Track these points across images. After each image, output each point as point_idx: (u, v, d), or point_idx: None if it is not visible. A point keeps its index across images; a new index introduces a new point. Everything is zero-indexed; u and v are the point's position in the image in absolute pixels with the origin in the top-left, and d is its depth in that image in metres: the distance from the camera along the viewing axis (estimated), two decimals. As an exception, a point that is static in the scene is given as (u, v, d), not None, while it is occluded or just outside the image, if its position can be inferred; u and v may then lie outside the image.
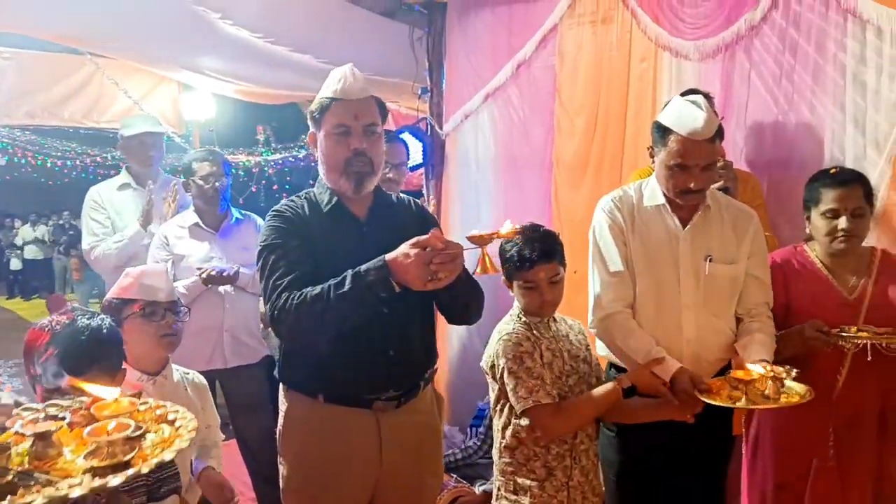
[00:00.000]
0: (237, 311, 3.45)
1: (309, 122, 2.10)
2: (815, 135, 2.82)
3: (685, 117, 2.15)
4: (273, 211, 2.09)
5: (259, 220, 3.71)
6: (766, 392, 1.97)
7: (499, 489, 2.21)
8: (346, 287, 1.83)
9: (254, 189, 9.49)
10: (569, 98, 3.65)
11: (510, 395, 2.10)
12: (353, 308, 1.85)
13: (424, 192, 4.52)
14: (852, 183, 2.34)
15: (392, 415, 2.04)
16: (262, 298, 2.13)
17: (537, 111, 3.82)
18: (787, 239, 2.73)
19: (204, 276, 3.26)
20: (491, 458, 3.75)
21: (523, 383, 2.06)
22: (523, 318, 2.17)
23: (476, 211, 4.14)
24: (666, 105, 2.29)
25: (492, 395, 2.20)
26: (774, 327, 2.30)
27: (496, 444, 2.21)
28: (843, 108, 2.73)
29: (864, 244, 2.41)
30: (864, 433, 2.34)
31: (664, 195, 2.29)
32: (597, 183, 3.53)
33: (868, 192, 2.36)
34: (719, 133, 2.20)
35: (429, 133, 4.43)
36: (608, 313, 2.27)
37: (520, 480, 2.14)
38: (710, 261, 2.26)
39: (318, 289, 1.87)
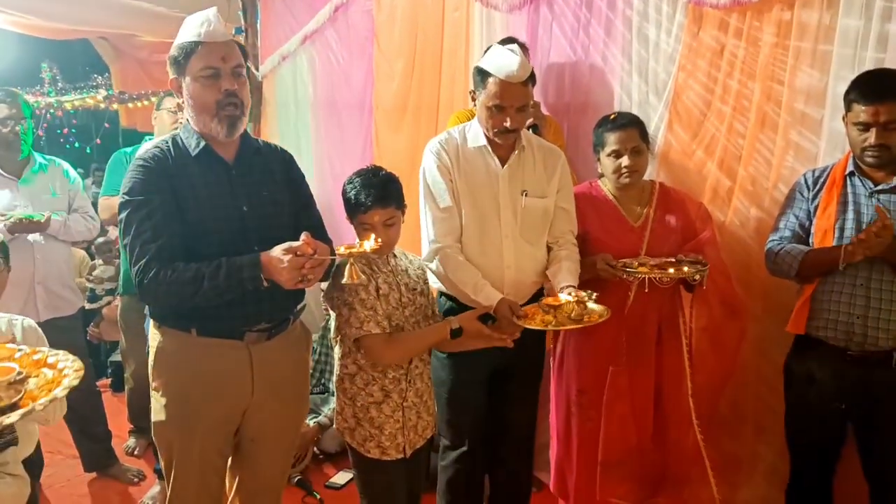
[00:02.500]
0: (49, 262, 3.29)
1: (170, 68, 2.07)
2: (606, 82, 3.15)
3: (502, 62, 2.37)
4: (137, 159, 2.06)
5: (66, 166, 3.51)
6: (573, 315, 2.27)
7: (339, 413, 2.34)
8: (221, 279, 1.92)
9: (40, 133, 8.66)
10: (387, 43, 3.75)
11: (344, 324, 2.21)
12: (224, 295, 1.95)
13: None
14: (629, 126, 2.67)
15: (263, 347, 2.14)
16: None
17: (356, 55, 3.89)
18: (582, 176, 3.06)
19: (9, 224, 3.07)
20: (318, 392, 3.93)
21: (356, 314, 2.17)
22: None
23: (297, 154, 4.11)
24: (486, 51, 2.49)
25: (332, 325, 2.31)
26: (577, 248, 2.61)
27: (336, 372, 2.33)
28: (630, 58, 3.06)
29: (646, 178, 2.78)
30: (647, 342, 2.72)
31: (485, 137, 2.51)
32: (416, 126, 3.69)
33: (644, 132, 2.70)
34: (532, 78, 2.45)
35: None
36: (440, 247, 2.47)
37: (359, 404, 2.27)
38: (525, 195, 2.53)
39: (191, 270, 1.92)
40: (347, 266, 1.96)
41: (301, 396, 2.36)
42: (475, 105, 2.55)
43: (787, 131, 2.74)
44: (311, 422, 3.69)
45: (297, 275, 1.89)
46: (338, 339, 2.29)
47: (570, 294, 2.31)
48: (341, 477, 3.54)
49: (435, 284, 2.56)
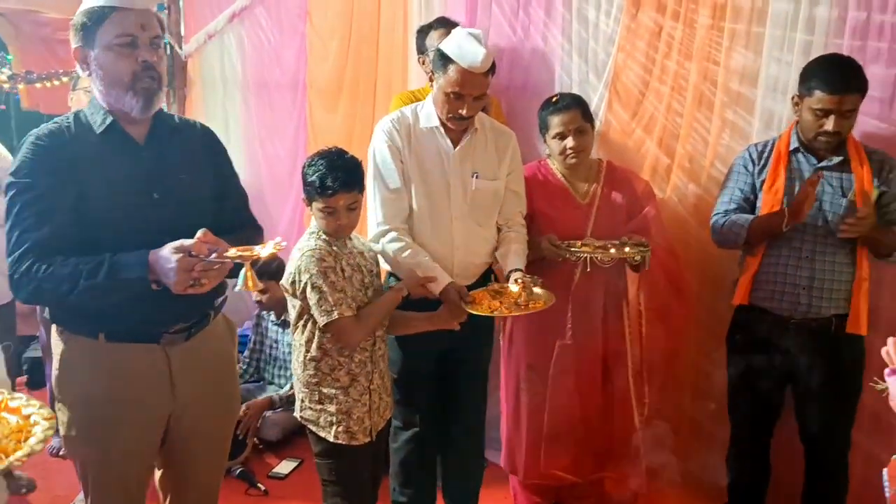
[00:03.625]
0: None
1: (73, 37, 1.84)
2: (547, 62, 3.19)
3: (467, 51, 2.34)
4: (31, 136, 1.82)
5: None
6: (519, 300, 2.30)
7: (302, 401, 2.29)
8: (100, 278, 1.70)
9: None
10: (321, 21, 3.67)
11: (314, 308, 2.14)
12: (106, 296, 1.74)
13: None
14: (571, 107, 2.69)
15: (182, 347, 1.95)
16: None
17: (287, 33, 3.80)
18: (523, 156, 3.04)
19: None
20: (257, 381, 3.84)
21: (327, 297, 2.12)
22: (323, 236, 2.22)
23: (225, 135, 3.99)
24: (449, 35, 2.45)
25: (292, 312, 2.25)
26: (526, 230, 2.64)
27: (298, 358, 2.27)
28: (570, 39, 3.10)
29: (592, 156, 2.83)
30: (593, 319, 2.78)
31: (438, 118, 2.49)
32: (352, 106, 3.64)
33: (586, 112, 2.73)
34: (492, 68, 2.43)
35: (168, 54, 4.16)
36: (388, 228, 2.45)
37: (325, 390, 2.23)
38: (476, 177, 2.52)
39: (69, 266, 1.71)
40: (242, 272, 1.73)
41: (229, 393, 2.17)
42: (433, 85, 2.52)
43: (722, 110, 2.84)
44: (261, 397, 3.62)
45: (186, 278, 1.67)
46: (299, 324, 2.23)
47: (516, 282, 2.35)
48: (285, 466, 3.47)
49: (384, 265, 2.54)
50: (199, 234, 1.70)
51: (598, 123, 3.02)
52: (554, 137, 2.71)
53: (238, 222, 2.04)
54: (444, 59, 2.39)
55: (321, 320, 2.14)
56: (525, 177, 2.73)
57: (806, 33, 2.66)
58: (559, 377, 2.80)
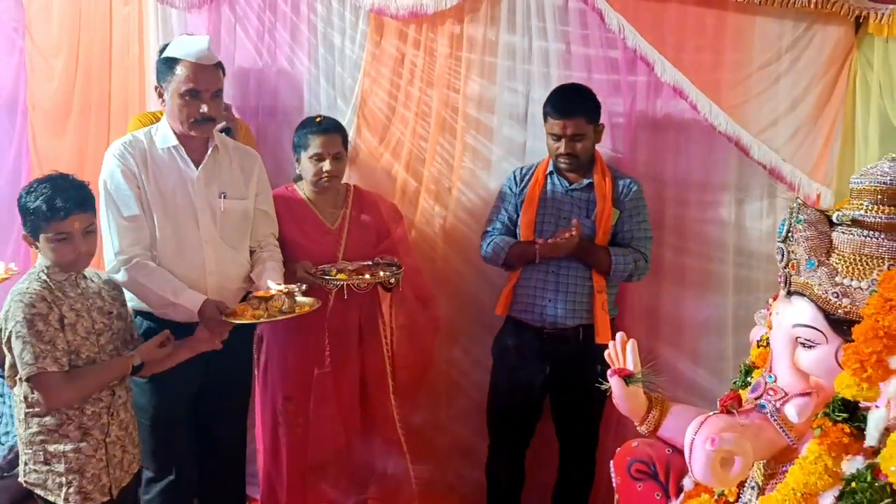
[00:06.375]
0: None
1: None
2: (295, 86, 3.16)
3: (191, 45, 2.28)
4: None
5: None
6: (283, 307, 2.24)
7: (26, 463, 2.03)
8: None
9: None
10: (42, 38, 3.33)
11: (17, 360, 1.93)
12: None
13: None
14: (333, 131, 2.70)
15: None
16: None
17: (3, 49, 3.39)
18: (272, 180, 2.85)
19: None
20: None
21: (31, 348, 1.90)
22: (44, 277, 2.00)
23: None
24: (165, 47, 2.34)
25: (7, 363, 1.99)
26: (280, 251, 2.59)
27: (18, 415, 2.02)
28: (317, 63, 3.10)
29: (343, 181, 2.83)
30: (349, 343, 2.78)
31: (176, 136, 2.36)
32: (83, 129, 3.34)
33: (345, 139, 2.76)
34: (221, 66, 2.38)
35: None
36: (128, 257, 2.27)
37: (51, 448, 2.00)
38: (224, 198, 2.42)
39: None
40: None
41: None
42: (163, 102, 2.38)
43: (463, 136, 3.00)
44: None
45: None
46: (14, 377, 1.98)
47: (278, 284, 2.30)
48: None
49: (132, 303, 2.35)
50: None
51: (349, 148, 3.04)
52: (311, 158, 2.67)
53: None
54: (169, 63, 2.30)
55: (22, 373, 1.92)
56: (274, 200, 2.66)
57: (535, 64, 2.90)
58: (319, 406, 2.76)
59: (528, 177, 2.78)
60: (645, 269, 2.71)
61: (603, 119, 2.71)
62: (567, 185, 2.74)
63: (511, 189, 2.80)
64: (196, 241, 2.39)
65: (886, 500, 1.14)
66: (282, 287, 2.26)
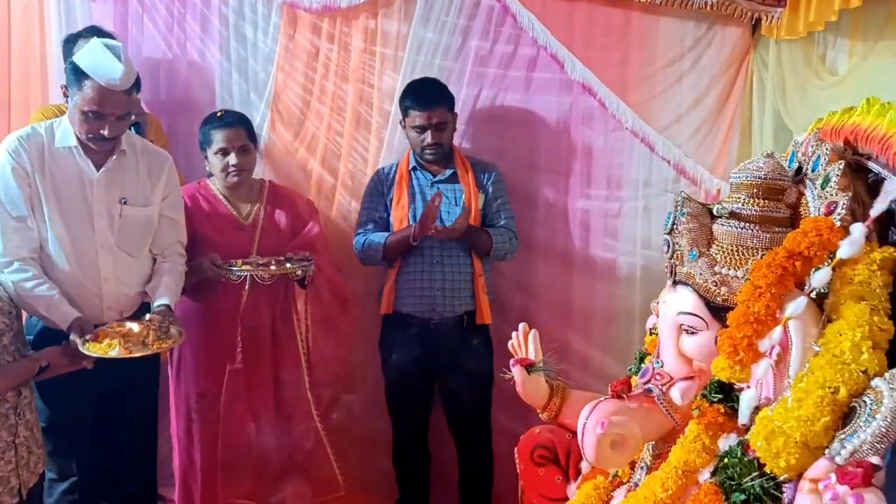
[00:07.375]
0: None
1: None
2: (206, 79, 3.10)
3: (103, 66, 2.12)
4: None
5: None
6: (146, 340, 2.18)
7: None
8: None
9: None
10: (-68, 25, 3.16)
11: None
12: None
13: None
14: (236, 124, 2.67)
15: None
16: None
17: None
18: (185, 175, 2.85)
19: None
20: None
21: None
22: None
23: None
24: (85, 46, 2.22)
25: None
26: (186, 259, 2.52)
27: None
28: (228, 56, 3.05)
29: (255, 177, 2.81)
30: (262, 339, 2.76)
31: (76, 138, 2.25)
32: (-19, 124, 3.19)
33: (251, 131, 2.73)
34: (137, 84, 2.27)
35: None
36: (13, 260, 2.17)
37: None
38: (124, 203, 2.33)
39: None
40: None
41: None
42: (67, 101, 2.28)
43: (379, 130, 3.01)
44: None
45: None
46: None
47: (144, 320, 2.24)
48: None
49: None
50: None
51: (261, 143, 3.01)
52: (216, 153, 2.64)
53: None
54: (78, 74, 2.15)
55: None
56: (185, 198, 2.62)
57: (444, 59, 2.93)
58: (231, 402, 2.74)
59: (392, 175, 2.86)
60: (516, 246, 2.84)
61: (515, 116, 2.78)
62: (431, 177, 2.83)
63: (378, 189, 2.86)
64: (91, 245, 2.29)
65: (754, 474, 1.21)
66: (141, 327, 2.21)
